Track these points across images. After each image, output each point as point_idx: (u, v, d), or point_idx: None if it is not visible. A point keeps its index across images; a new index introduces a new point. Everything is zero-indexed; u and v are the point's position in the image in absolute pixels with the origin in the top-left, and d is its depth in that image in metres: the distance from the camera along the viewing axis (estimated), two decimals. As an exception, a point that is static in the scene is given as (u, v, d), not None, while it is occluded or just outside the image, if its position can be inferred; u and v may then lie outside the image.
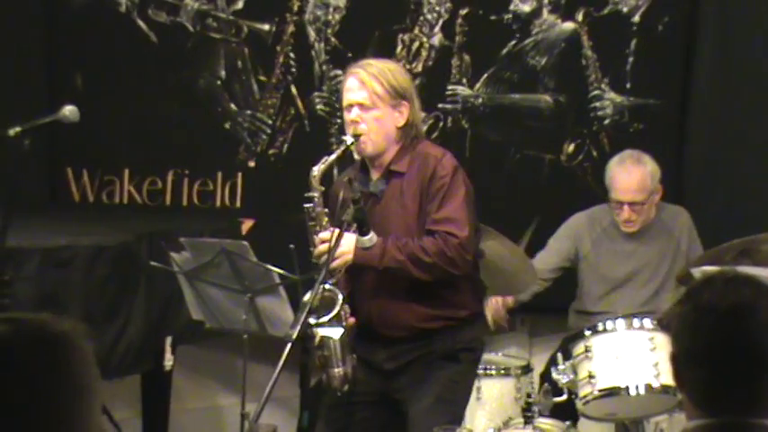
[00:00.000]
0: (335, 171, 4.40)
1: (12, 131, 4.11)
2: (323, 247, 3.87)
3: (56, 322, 1.71)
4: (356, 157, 4.08)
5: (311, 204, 3.93)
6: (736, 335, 2.12)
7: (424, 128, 5.87)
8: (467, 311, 4.05)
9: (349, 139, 3.94)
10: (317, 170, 3.90)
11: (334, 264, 3.84)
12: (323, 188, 3.95)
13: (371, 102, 3.94)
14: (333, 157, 3.92)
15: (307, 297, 3.69)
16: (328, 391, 3.93)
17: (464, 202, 3.92)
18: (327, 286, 3.83)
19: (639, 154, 5.22)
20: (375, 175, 4.03)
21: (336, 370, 3.88)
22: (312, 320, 3.78)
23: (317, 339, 3.80)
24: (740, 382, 2.12)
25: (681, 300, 2.21)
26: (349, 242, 3.87)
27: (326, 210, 3.96)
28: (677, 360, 2.19)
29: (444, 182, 3.91)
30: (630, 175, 5.14)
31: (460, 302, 4.03)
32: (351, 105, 3.97)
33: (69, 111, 4.33)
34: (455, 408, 4.06)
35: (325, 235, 3.90)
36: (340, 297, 3.86)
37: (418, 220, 3.95)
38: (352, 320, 3.93)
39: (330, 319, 3.83)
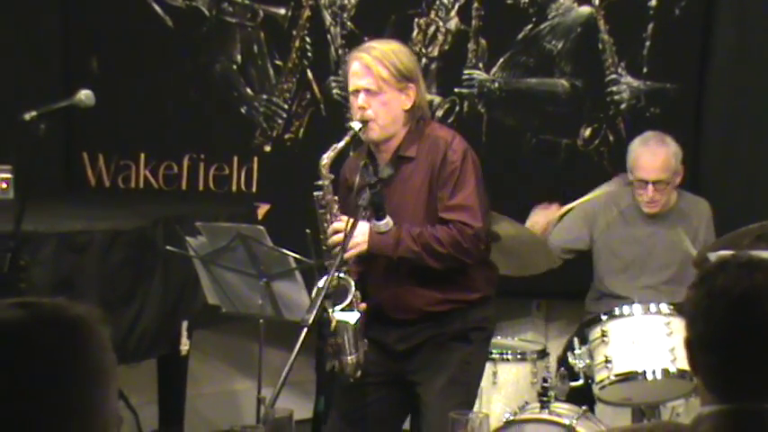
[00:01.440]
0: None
1: (27, 116, 4.11)
2: (337, 237, 3.87)
3: (72, 306, 1.71)
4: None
5: (320, 192, 3.91)
6: (750, 320, 2.10)
7: (440, 112, 5.91)
8: (477, 294, 4.03)
9: (356, 125, 3.90)
10: (326, 158, 3.87)
11: (349, 254, 3.84)
12: (332, 176, 3.92)
13: (377, 87, 3.90)
14: (341, 144, 3.88)
15: (321, 284, 3.69)
16: (341, 376, 3.94)
17: (476, 188, 3.90)
18: (340, 275, 3.82)
19: (662, 135, 5.22)
20: (383, 161, 4.00)
21: (350, 357, 3.88)
22: (338, 316, 3.79)
23: (333, 324, 3.79)
24: (754, 367, 2.11)
25: (695, 284, 2.20)
26: (363, 231, 3.86)
27: (336, 197, 3.95)
28: (691, 345, 2.18)
29: (455, 166, 3.88)
30: (655, 154, 5.14)
31: (471, 286, 4.02)
32: (357, 91, 3.93)
33: (85, 95, 4.33)
34: (468, 389, 4.06)
35: (338, 225, 3.89)
36: (352, 286, 3.85)
37: (428, 205, 3.93)
38: (362, 306, 3.92)
39: (343, 309, 3.83)
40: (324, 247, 3.95)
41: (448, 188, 3.88)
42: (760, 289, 2.11)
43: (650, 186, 5.16)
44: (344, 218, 3.89)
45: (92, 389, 1.68)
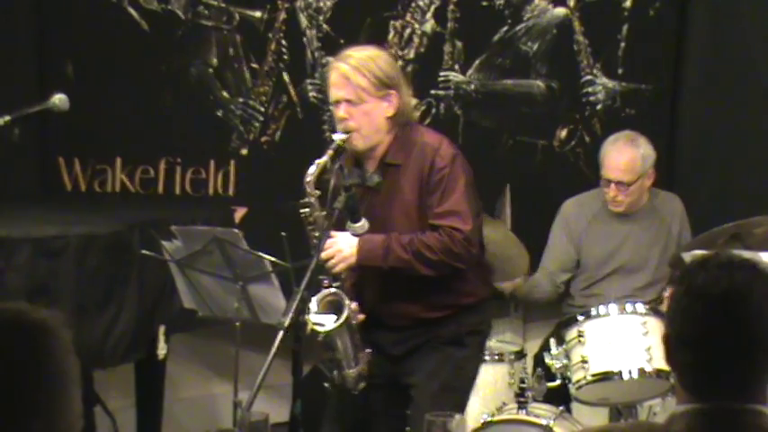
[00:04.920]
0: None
1: (1, 121, 4.10)
2: (324, 254, 3.82)
3: (34, 311, 1.71)
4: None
5: (307, 210, 3.84)
6: (728, 320, 2.10)
7: (417, 114, 5.90)
8: (473, 298, 4.04)
9: (339, 137, 3.87)
10: (310, 175, 3.79)
11: (338, 267, 3.83)
12: (318, 192, 3.84)
13: (357, 97, 3.87)
14: (325, 158, 3.81)
15: (313, 300, 3.67)
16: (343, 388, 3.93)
17: (465, 193, 3.89)
18: (333, 290, 3.81)
19: (636, 136, 5.24)
20: (370, 168, 3.98)
21: (350, 371, 3.88)
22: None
23: (309, 328, 3.78)
24: (731, 366, 2.11)
25: (675, 281, 2.20)
26: (351, 243, 3.84)
27: (324, 213, 3.88)
28: (669, 342, 2.18)
29: (444, 174, 3.87)
30: (621, 154, 5.17)
31: (466, 291, 4.02)
32: (338, 102, 3.90)
33: (59, 99, 4.32)
34: (460, 394, 4.08)
35: (327, 242, 3.83)
36: (346, 302, 3.82)
37: (418, 212, 3.91)
38: (361, 317, 3.91)
39: (338, 327, 3.80)
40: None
41: (437, 195, 3.87)
42: (739, 289, 2.11)
43: (612, 186, 5.18)
44: (334, 233, 3.85)
45: (55, 391, 1.68)
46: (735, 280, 2.11)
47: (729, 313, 2.10)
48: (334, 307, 3.81)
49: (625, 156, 5.15)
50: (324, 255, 3.82)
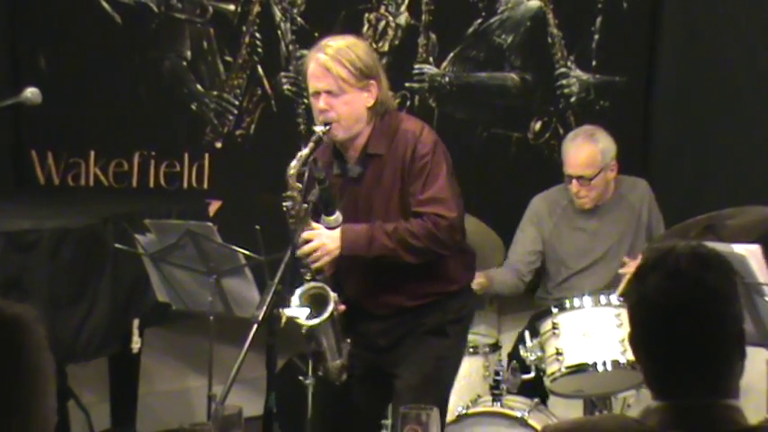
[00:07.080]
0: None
1: (-27, 115, 4.08)
2: (307, 248, 3.78)
3: (8, 306, 1.70)
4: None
5: (290, 203, 3.78)
6: (688, 326, 2.07)
7: (396, 102, 5.90)
8: (456, 285, 4.02)
9: (320, 129, 3.82)
10: (292, 168, 3.73)
11: (322, 261, 3.79)
12: (299, 185, 3.77)
13: (338, 88, 3.82)
14: (306, 151, 3.75)
15: (296, 293, 3.66)
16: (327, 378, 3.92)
17: (448, 180, 3.87)
18: (317, 284, 3.78)
19: (594, 130, 5.24)
20: (351, 158, 3.95)
21: (334, 363, 3.86)
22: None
23: (283, 321, 3.77)
24: (699, 368, 2.08)
25: (634, 279, 2.17)
26: (334, 236, 3.80)
27: (306, 206, 3.82)
28: (633, 346, 2.18)
29: (426, 161, 3.84)
30: (579, 149, 5.18)
31: (450, 277, 4.01)
32: (317, 93, 3.86)
33: (31, 93, 4.31)
34: (441, 386, 4.06)
35: (309, 234, 3.80)
36: (331, 295, 3.78)
37: (401, 201, 3.89)
38: (342, 308, 3.87)
39: (324, 320, 3.76)
40: (297, 257, 3.85)
41: (420, 182, 3.84)
42: (692, 296, 2.08)
43: (574, 181, 5.19)
44: (316, 226, 3.82)
45: (30, 387, 1.68)
46: (686, 287, 2.08)
47: (689, 320, 2.08)
48: (318, 300, 3.77)
49: (584, 151, 5.17)
50: (307, 248, 3.78)
